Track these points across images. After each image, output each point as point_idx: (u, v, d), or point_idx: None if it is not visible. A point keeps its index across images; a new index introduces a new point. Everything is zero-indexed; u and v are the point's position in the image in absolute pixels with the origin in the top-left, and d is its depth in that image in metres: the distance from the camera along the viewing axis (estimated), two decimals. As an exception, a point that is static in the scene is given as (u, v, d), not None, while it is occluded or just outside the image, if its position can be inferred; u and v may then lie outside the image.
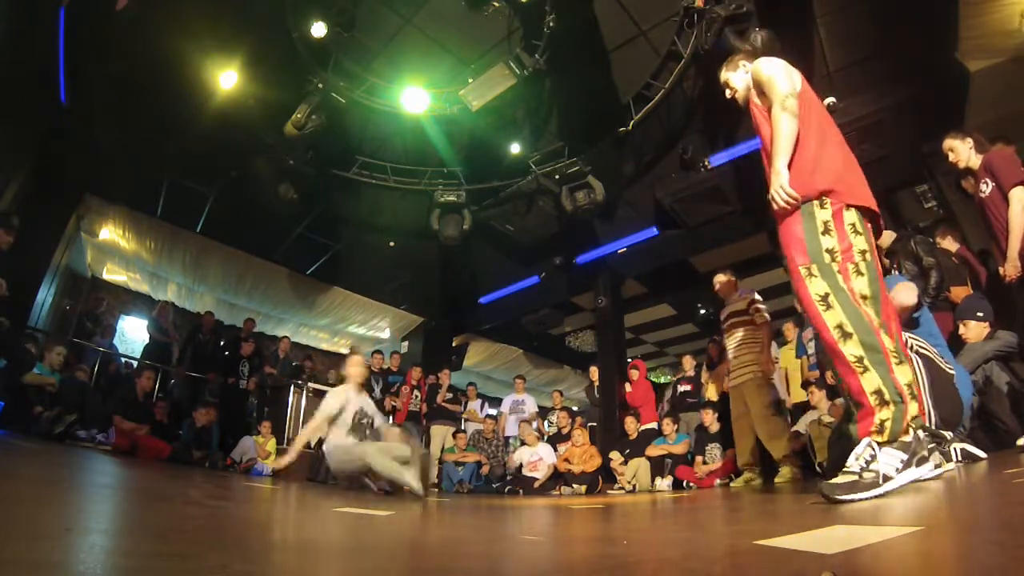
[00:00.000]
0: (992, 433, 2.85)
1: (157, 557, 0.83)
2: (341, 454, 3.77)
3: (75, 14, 4.51)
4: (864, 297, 1.66)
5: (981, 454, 2.42)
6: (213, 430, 6.03)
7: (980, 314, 3.14)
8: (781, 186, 1.79)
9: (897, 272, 3.90)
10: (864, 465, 1.50)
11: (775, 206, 1.83)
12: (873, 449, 1.52)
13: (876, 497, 1.45)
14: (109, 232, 7.58)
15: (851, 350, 1.60)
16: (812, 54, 4.89)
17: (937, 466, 1.61)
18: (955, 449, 2.33)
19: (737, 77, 2.16)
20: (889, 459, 1.49)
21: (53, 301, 7.29)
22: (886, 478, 1.47)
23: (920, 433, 1.57)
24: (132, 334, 9.12)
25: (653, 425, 6.40)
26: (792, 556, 0.86)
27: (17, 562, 0.64)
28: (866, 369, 1.57)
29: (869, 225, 1.79)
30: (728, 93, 2.21)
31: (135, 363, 7.41)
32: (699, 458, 5.37)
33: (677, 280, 8.50)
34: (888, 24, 4.58)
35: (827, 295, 1.65)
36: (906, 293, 2.80)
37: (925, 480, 1.53)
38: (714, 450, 5.29)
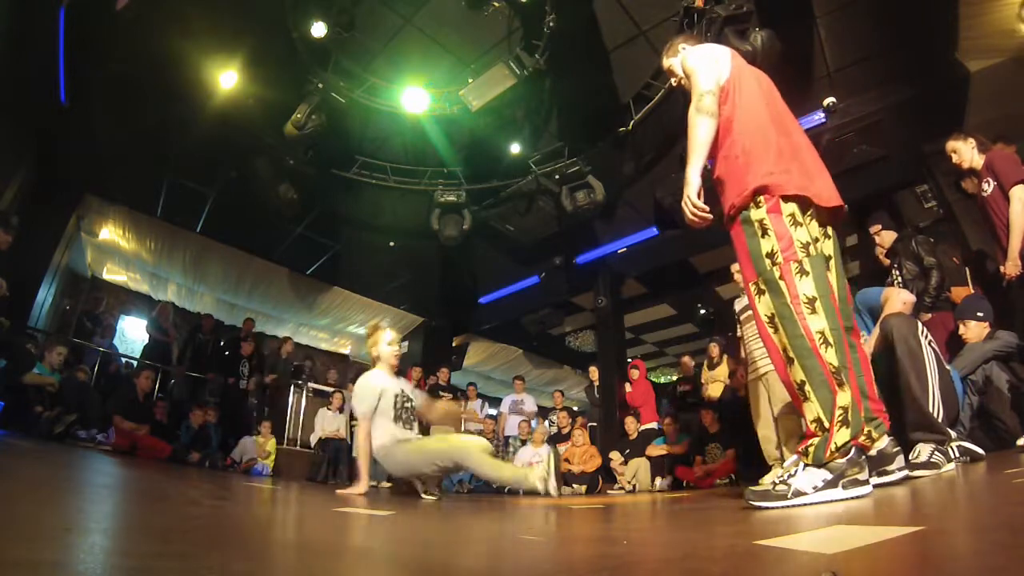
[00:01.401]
0: (992, 433, 2.86)
1: (157, 557, 0.83)
2: (408, 454, 3.02)
3: (75, 14, 4.51)
4: (811, 300, 1.57)
5: (979, 451, 2.42)
6: (212, 430, 6.03)
7: (980, 314, 3.14)
8: (689, 197, 1.71)
9: (898, 272, 3.91)
10: (784, 478, 1.55)
11: (686, 218, 1.75)
12: (797, 465, 1.56)
13: (784, 508, 1.50)
14: (109, 232, 7.58)
15: (794, 375, 1.57)
16: (812, 54, 4.89)
17: (872, 487, 1.60)
18: (953, 447, 2.33)
19: (678, 62, 2.02)
20: (809, 477, 1.52)
21: (53, 301, 7.29)
22: (797, 493, 1.51)
23: (855, 454, 1.56)
24: (132, 334, 9.12)
25: (653, 425, 6.41)
26: (792, 556, 0.87)
27: (17, 562, 0.64)
28: (807, 397, 1.55)
29: (814, 212, 1.69)
30: (673, 81, 2.10)
31: (135, 363, 7.41)
32: (699, 458, 5.38)
33: (677, 280, 8.51)
34: (888, 24, 4.58)
35: (773, 316, 1.61)
36: (905, 293, 2.89)
37: (853, 499, 1.51)
38: (714, 450, 5.29)
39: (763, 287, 1.63)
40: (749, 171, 1.67)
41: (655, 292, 9.18)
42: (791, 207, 1.64)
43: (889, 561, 0.79)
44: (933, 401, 2.42)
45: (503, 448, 7.33)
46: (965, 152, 3.19)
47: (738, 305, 4.44)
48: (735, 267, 4.34)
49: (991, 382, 2.91)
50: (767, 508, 1.53)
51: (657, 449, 5.83)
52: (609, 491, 5.95)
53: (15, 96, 4.89)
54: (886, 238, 4.16)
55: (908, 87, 5.02)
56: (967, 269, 3.97)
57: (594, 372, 7.77)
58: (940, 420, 2.29)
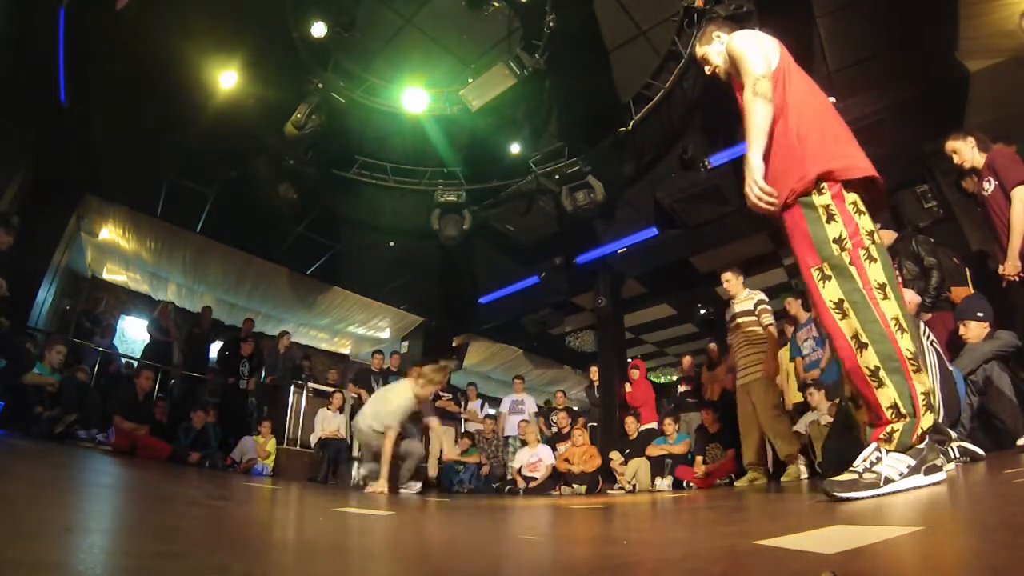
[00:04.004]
0: (992, 433, 2.86)
1: (157, 557, 0.83)
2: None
3: (75, 14, 4.51)
4: (882, 285, 1.55)
5: (979, 451, 2.42)
6: (211, 430, 6.03)
7: (980, 314, 3.14)
8: (755, 181, 1.68)
9: (897, 272, 3.91)
10: (868, 466, 1.50)
11: (749, 202, 1.72)
12: (880, 452, 1.51)
13: (875, 497, 1.45)
14: (109, 232, 7.58)
15: (867, 361, 1.52)
16: (812, 54, 4.89)
17: (951, 469, 1.60)
18: (953, 448, 2.33)
19: (713, 50, 2.04)
20: (895, 463, 1.48)
21: (53, 301, 7.29)
22: (887, 480, 1.46)
23: (934, 442, 1.53)
24: (132, 334, 9.12)
25: (653, 425, 6.40)
26: (792, 556, 0.86)
27: (17, 562, 0.64)
28: (881, 383, 1.51)
29: (868, 200, 1.66)
30: (708, 70, 2.10)
31: (135, 363, 7.41)
32: (699, 458, 5.37)
33: (677, 280, 8.50)
34: (888, 24, 4.58)
35: (841, 301, 1.56)
36: (910, 293, 2.90)
37: (934, 485, 1.50)
38: (714, 450, 5.29)
39: (829, 273, 1.59)
40: (807, 157, 1.64)
41: (655, 292, 9.17)
42: (852, 196, 1.62)
43: (889, 561, 0.79)
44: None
45: (503, 448, 7.32)
46: (965, 152, 3.19)
47: (728, 313, 4.50)
48: (726, 276, 4.42)
49: (991, 382, 2.91)
50: (857, 499, 1.45)
51: (657, 449, 5.83)
52: (609, 491, 5.95)
53: (15, 96, 4.88)
54: (885, 238, 4.16)
55: (908, 87, 5.02)
56: (967, 269, 3.97)
57: (594, 372, 7.77)
58: (940, 420, 2.29)
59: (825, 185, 1.63)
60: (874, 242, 1.59)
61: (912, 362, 1.51)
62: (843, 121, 1.79)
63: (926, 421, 1.50)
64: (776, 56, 1.79)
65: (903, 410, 1.50)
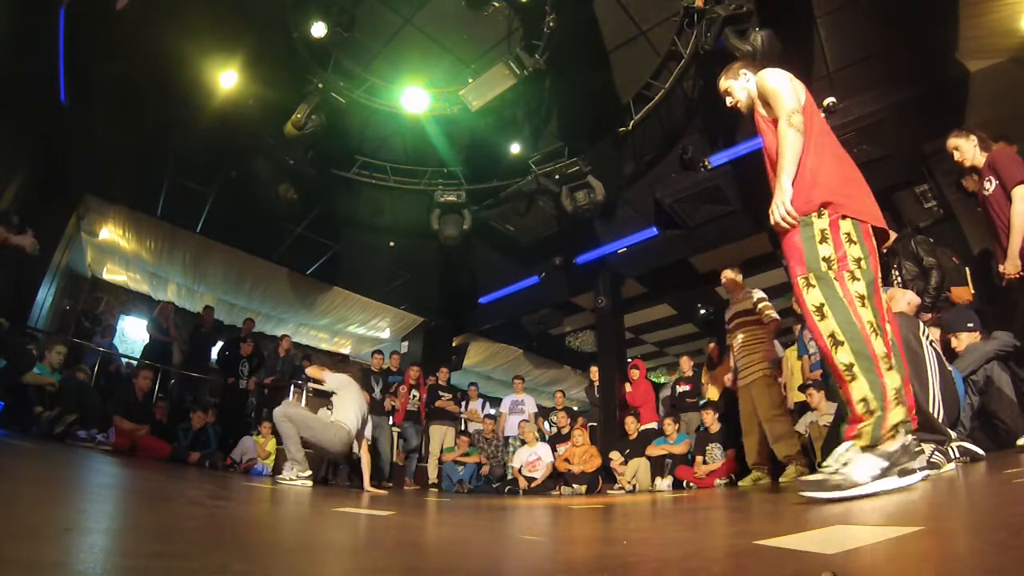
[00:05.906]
0: (992, 433, 2.86)
1: (157, 557, 0.83)
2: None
3: (75, 14, 4.51)
4: (862, 297, 1.68)
5: (979, 451, 2.42)
6: (211, 430, 6.03)
7: (970, 324, 3.16)
8: (783, 202, 1.81)
9: (897, 272, 3.92)
10: (839, 466, 1.55)
11: (772, 220, 1.85)
12: (852, 452, 1.56)
13: (841, 500, 1.48)
14: (109, 232, 7.57)
15: (841, 358, 1.63)
16: (812, 54, 4.89)
17: (926, 474, 1.63)
18: (953, 448, 2.33)
19: (738, 86, 2.15)
20: (866, 465, 1.52)
21: (53, 301, 7.28)
22: (854, 484, 1.50)
23: (909, 441, 1.58)
24: (132, 334, 9.12)
25: (653, 425, 6.40)
26: (792, 556, 0.86)
27: (17, 562, 0.64)
28: (854, 377, 1.60)
29: (868, 230, 1.79)
30: (729, 102, 2.21)
31: (135, 363, 7.40)
32: (699, 458, 5.37)
33: (677, 280, 8.50)
34: (888, 24, 4.58)
35: (822, 305, 1.69)
36: (910, 294, 2.91)
37: (906, 488, 1.53)
38: (714, 450, 5.29)
39: (814, 283, 1.73)
40: (816, 187, 1.80)
41: (655, 292, 9.18)
42: (847, 226, 1.77)
43: (889, 561, 0.79)
44: (933, 401, 2.42)
45: (503, 448, 7.32)
46: (967, 149, 3.18)
47: (728, 313, 4.51)
48: (726, 274, 4.44)
49: (991, 382, 2.91)
50: (823, 500, 1.50)
51: (657, 449, 5.83)
52: (609, 491, 5.95)
53: (15, 96, 4.88)
54: (885, 238, 4.16)
55: (908, 87, 5.01)
56: (967, 269, 3.97)
57: (594, 372, 7.77)
58: (940, 420, 2.29)
59: (826, 212, 1.77)
60: (859, 267, 1.72)
61: (884, 360, 1.61)
62: (854, 164, 1.94)
63: (896, 415, 1.56)
64: (803, 96, 1.94)
65: (872, 405, 1.57)
